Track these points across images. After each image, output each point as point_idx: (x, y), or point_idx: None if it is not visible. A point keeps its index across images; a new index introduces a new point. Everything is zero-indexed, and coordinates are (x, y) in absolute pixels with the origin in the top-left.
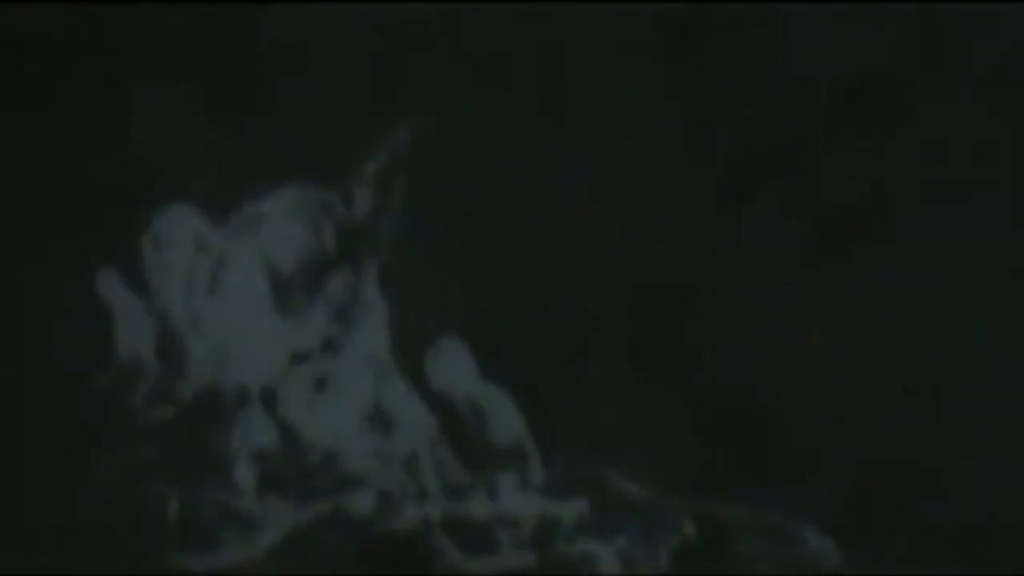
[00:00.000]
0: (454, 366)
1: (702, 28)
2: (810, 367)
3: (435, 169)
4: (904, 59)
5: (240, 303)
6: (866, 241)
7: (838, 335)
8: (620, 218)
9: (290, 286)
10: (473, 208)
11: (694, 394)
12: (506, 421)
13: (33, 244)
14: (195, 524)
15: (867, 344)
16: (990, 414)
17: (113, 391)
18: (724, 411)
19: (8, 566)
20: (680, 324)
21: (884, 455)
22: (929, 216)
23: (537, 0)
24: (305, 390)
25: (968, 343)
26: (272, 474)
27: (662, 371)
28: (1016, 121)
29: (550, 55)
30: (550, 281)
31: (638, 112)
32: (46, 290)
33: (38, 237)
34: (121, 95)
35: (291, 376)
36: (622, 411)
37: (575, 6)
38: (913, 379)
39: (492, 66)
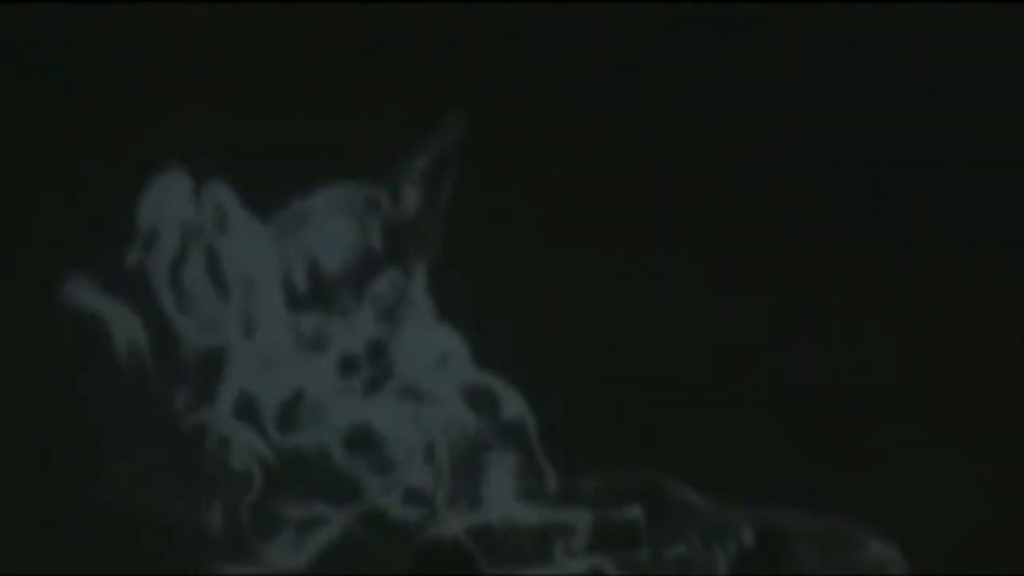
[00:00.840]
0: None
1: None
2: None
3: (485, 166)
4: None
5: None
6: None
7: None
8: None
9: (336, 286)
10: (524, 207)
11: (754, 399)
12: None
13: (37, 242)
14: (236, 531)
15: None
16: None
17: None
18: (785, 417)
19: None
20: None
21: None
22: None
23: (544, 0)
24: (351, 391)
25: None
26: (315, 479)
27: (719, 377)
28: None
29: (595, 51)
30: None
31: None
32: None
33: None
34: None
35: (337, 377)
36: (681, 416)
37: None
38: None
39: (537, 62)
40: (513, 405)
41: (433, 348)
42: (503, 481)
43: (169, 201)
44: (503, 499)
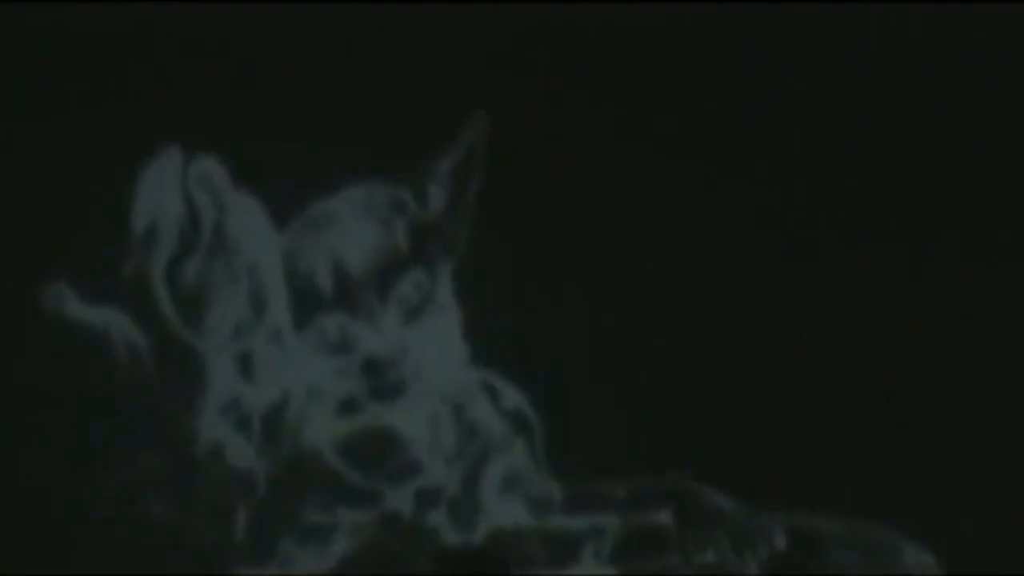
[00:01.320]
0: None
1: None
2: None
3: (510, 167)
4: None
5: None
6: None
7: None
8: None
9: (361, 287)
10: (551, 207)
11: (787, 404)
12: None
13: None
14: (263, 535)
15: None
16: None
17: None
18: (818, 420)
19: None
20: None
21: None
22: None
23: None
24: (376, 396)
25: None
26: (342, 482)
27: (751, 381)
28: None
29: (621, 51)
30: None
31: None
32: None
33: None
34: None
35: (361, 381)
36: (711, 422)
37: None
38: None
39: (564, 61)
40: (538, 409)
41: (458, 350)
42: (531, 485)
43: (163, 190)
44: (533, 503)
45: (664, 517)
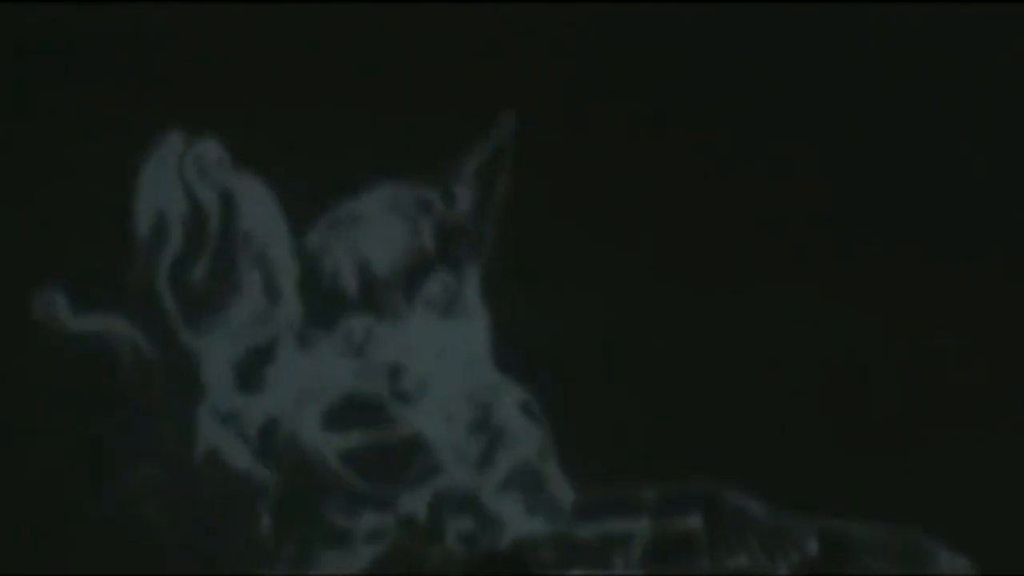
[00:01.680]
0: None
1: None
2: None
3: (538, 166)
4: None
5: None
6: None
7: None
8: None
9: (387, 288)
10: (578, 207)
11: (818, 408)
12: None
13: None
14: (289, 538)
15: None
16: None
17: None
18: (850, 425)
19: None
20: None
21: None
22: None
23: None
24: (399, 398)
25: None
26: (363, 485)
27: (782, 386)
28: None
29: (648, 50)
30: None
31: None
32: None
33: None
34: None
35: (385, 383)
36: (742, 425)
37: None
38: None
39: (591, 60)
40: (564, 412)
41: (484, 352)
42: (560, 489)
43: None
44: (560, 508)
45: (694, 522)
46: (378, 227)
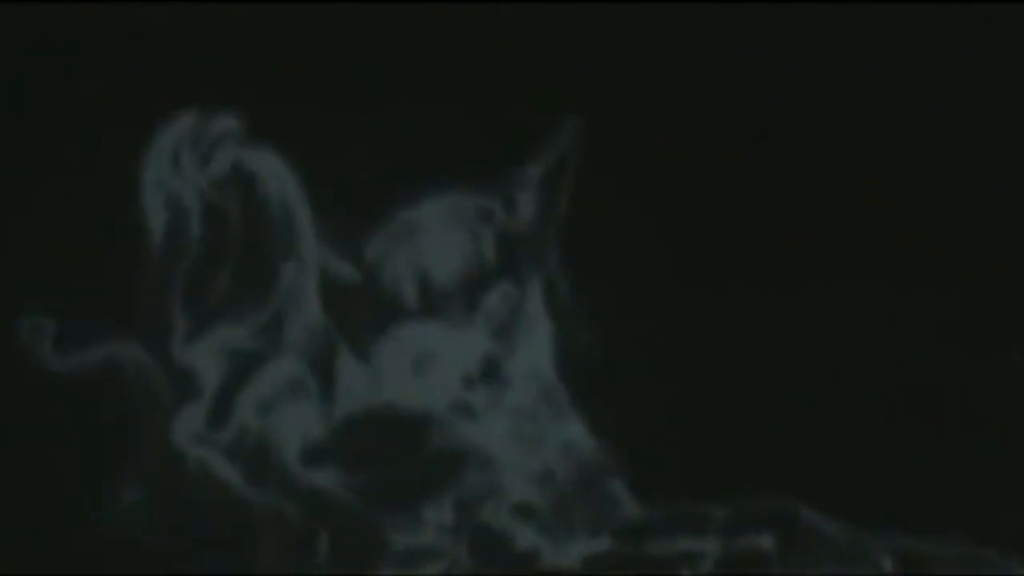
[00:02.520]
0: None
1: None
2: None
3: (603, 172)
4: None
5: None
6: None
7: None
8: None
9: (447, 299)
10: (644, 214)
11: (891, 423)
12: None
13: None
14: (347, 560)
15: None
16: None
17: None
18: (925, 440)
19: None
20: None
21: None
22: None
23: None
24: (460, 413)
25: None
26: (425, 502)
27: (852, 399)
28: None
29: (708, 54)
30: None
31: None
32: None
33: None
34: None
35: (447, 395)
36: (814, 443)
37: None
38: None
39: (656, 64)
40: (631, 427)
41: (548, 365)
42: (626, 507)
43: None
44: (626, 527)
45: (765, 541)
46: (438, 237)
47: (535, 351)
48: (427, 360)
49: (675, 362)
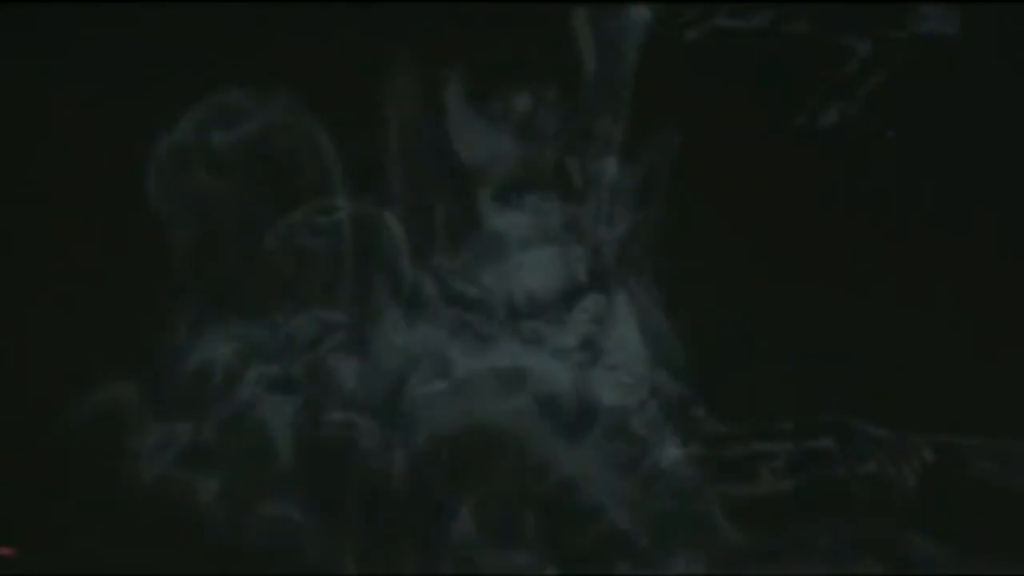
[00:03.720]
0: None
1: None
2: None
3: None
4: None
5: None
6: None
7: None
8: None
9: (536, 313)
10: (737, 227)
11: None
12: None
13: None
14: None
15: None
16: None
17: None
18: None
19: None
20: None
21: None
22: None
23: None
24: (552, 431)
25: None
26: (518, 527)
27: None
28: None
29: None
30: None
31: None
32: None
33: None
34: None
35: (536, 416)
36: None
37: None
38: None
39: (748, 75)
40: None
41: (640, 381)
42: (720, 532)
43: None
44: (718, 555)
45: (826, 443)
46: (528, 248)
47: (625, 365)
48: (516, 378)
49: (766, 368)
